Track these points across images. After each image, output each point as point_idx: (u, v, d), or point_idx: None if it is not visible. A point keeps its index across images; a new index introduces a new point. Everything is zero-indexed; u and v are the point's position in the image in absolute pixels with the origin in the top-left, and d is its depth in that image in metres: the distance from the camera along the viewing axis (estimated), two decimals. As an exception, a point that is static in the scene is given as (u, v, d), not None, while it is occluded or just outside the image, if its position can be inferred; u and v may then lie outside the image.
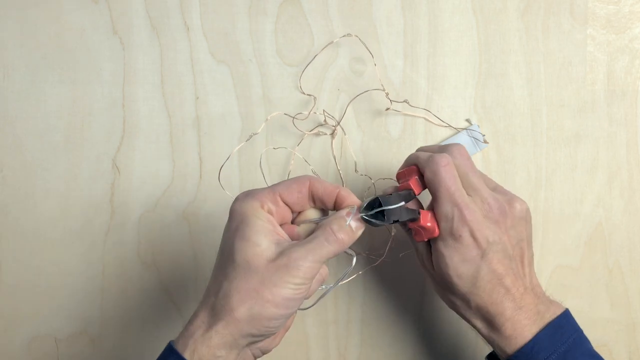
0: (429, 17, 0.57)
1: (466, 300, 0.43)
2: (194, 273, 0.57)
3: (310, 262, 0.38)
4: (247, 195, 0.41)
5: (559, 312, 0.43)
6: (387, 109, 0.55)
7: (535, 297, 0.44)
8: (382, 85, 0.55)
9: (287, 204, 0.42)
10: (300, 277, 0.38)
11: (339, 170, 0.56)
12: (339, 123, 0.56)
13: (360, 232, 0.41)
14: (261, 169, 0.55)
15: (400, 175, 0.46)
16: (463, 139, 0.56)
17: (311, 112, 0.56)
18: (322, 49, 0.56)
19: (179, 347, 0.39)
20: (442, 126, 0.56)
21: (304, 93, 0.56)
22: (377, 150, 0.57)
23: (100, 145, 0.56)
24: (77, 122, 0.56)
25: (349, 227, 0.41)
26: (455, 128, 0.56)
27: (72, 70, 0.56)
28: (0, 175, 0.56)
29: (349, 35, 0.56)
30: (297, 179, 0.42)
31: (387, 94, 0.55)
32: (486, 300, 0.43)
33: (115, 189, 0.56)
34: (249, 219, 0.39)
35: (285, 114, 0.56)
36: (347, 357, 0.57)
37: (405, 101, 0.55)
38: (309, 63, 0.56)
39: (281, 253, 0.39)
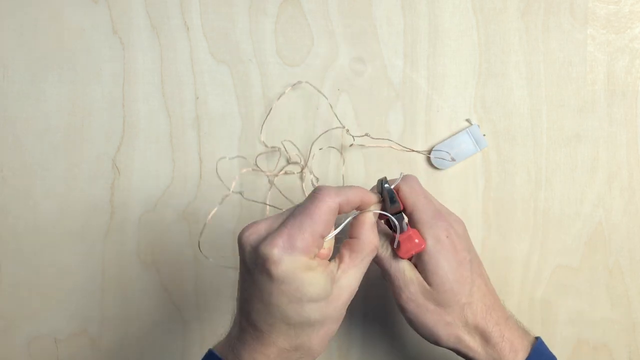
0: (429, 17, 0.57)
1: (464, 316, 0.42)
2: (194, 273, 0.57)
3: (359, 279, 0.41)
4: (292, 253, 0.36)
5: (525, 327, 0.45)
6: (351, 144, 0.56)
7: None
8: (339, 122, 0.55)
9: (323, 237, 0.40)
10: (351, 297, 0.40)
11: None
12: (305, 164, 0.56)
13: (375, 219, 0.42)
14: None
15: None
16: (463, 139, 0.56)
17: (278, 163, 0.56)
18: (278, 99, 0.56)
19: None
20: (407, 151, 0.56)
21: (266, 146, 0.56)
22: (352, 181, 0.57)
23: (100, 145, 0.56)
24: (77, 122, 0.56)
25: (369, 223, 0.41)
26: (418, 152, 0.56)
27: (72, 70, 0.56)
28: (0, 175, 0.56)
29: (299, 82, 0.56)
30: (328, 210, 0.38)
31: (347, 131, 0.55)
32: (481, 309, 0.42)
33: (115, 189, 0.56)
34: (308, 281, 0.37)
35: (253, 169, 0.56)
36: (348, 357, 0.57)
37: (366, 134, 0.55)
38: (268, 114, 0.56)
39: (338, 287, 0.39)
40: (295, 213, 0.38)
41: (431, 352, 0.56)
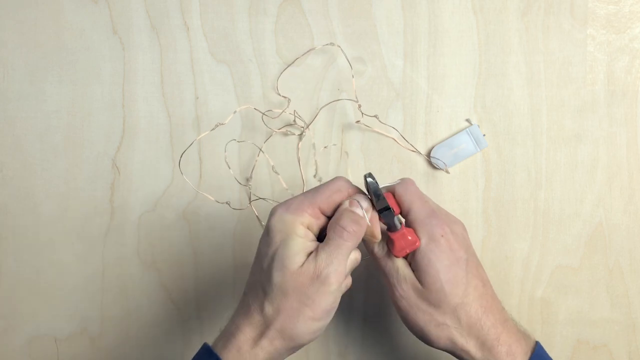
0: (429, 17, 0.57)
1: (457, 317, 0.41)
2: (194, 273, 0.57)
3: (335, 265, 0.40)
4: (287, 210, 0.41)
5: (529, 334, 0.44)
6: (358, 121, 0.56)
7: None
8: (355, 97, 0.55)
9: (324, 214, 0.42)
10: (332, 284, 0.40)
11: (301, 172, 0.56)
12: (307, 126, 0.56)
13: (368, 216, 0.41)
14: (226, 162, 0.56)
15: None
16: (463, 139, 0.56)
17: (285, 112, 0.55)
18: (304, 53, 0.56)
19: (224, 357, 0.40)
20: (409, 149, 0.56)
21: (279, 94, 0.56)
22: (341, 160, 0.57)
23: (100, 145, 0.56)
24: (77, 122, 0.56)
25: (358, 215, 0.41)
26: (420, 152, 0.56)
27: (72, 70, 0.56)
28: (0, 175, 0.56)
29: (331, 44, 0.56)
30: (337, 189, 0.42)
31: (359, 106, 0.55)
32: (476, 310, 0.42)
33: (115, 189, 0.56)
34: (287, 241, 0.40)
35: (255, 108, 0.56)
36: (347, 357, 0.57)
37: (375, 116, 0.55)
38: (288, 65, 0.56)
39: (311, 263, 0.40)
40: (311, 188, 0.43)
41: (429, 354, 0.57)
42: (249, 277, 0.43)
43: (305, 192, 0.42)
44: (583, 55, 0.57)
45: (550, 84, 0.57)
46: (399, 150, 0.57)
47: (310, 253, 0.40)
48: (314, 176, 0.57)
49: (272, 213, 0.41)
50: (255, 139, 0.57)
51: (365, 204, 0.42)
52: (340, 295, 0.41)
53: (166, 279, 0.57)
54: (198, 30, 0.57)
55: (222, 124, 0.55)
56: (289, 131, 0.56)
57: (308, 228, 0.41)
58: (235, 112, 0.56)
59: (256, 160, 0.56)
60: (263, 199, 0.56)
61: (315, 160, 0.56)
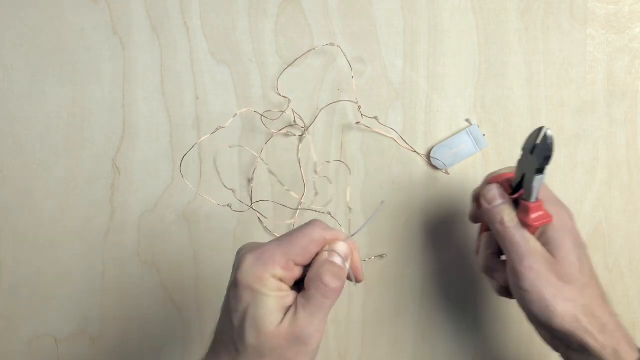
0: (429, 17, 0.57)
1: (584, 296, 0.41)
2: (194, 273, 0.57)
3: (317, 324, 0.36)
4: (257, 260, 0.36)
5: None
6: (358, 122, 0.56)
7: None
8: (355, 98, 0.55)
9: (298, 265, 0.38)
10: (313, 344, 0.36)
11: (302, 173, 0.56)
12: (307, 128, 0.56)
13: (348, 266, 0.38)
14: (216, 167, 0.56)
15: (495, 179, 0.46)
16: (463, 139, 0.56)
17: (285, 113, 0.56)
18: (305, 53, 0.56)
19: None
20: (408, 150, 0.56)
21: (279, 94, 0.56)
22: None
23: (100, 145, 0.56)
24: (77, 122, 0.56)
25: (339, 267, 0.37)
26: (419, 153, 0.56)
27: (72, 70, 0.56)
28: (0, 175, 0.56)
29: (331, 44, 0.56)
30: (312, 240, 0.37)
31: (359, 108, 0.55)
32: (597, 296, 0.41)
33: (115, 189, 0.56)
34: (259, 299, 0.36)
35: (255, 111, 0.56)
36: (347, 358, 0.57)
37: (375, 117, 0.55)
38: (288, 66, 0.56)
39: (290, 323, 0.36)
40: (282, 235, 0.38)
41: (431, 352, 0.57)
42: (218, 325, 0.38)
43: (279, 239, 0.38)
44: (583, 55, 0.57)
45: (550, 84, 0.57)
46: (398, 150, 0.57)
47: (288, 308, 0.36)
48: (315, 172, 0.57)
49: (241, 261, 0.36)
50: (256, 140, 0.57)
51: (344, 250, 0.38)
52: (317, 351, 0.38)
53: (166, 279, 0.57)
54: (198, 30, 0.57)
55: (223, 127, 0.55)
56: (290, 132, 0.56)
57: (281, 280, 0.37)
58: (235, 115, 0.56)
59: (257, 162, 0.56)
60: (264, 200, 0.56)
61: (315, 163, 0.56)
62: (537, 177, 0.41)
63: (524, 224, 0.42)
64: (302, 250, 0.37)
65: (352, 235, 0.39)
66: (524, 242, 0.42)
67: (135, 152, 0.57)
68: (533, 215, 0.42)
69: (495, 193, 0.44)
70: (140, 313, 0.57)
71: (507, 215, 0.43)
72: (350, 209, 0.57)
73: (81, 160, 0.56)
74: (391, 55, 0.57)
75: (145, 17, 0.56)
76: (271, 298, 0.36)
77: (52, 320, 0.57)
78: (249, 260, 0.36)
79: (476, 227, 0.58)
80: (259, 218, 0.56)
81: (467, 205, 0.57)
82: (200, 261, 0.57)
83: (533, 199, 0.42)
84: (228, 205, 0.56)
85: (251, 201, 0.56)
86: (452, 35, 0.57)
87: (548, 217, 0.42)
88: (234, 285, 0.36)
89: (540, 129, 0.40)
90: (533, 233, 0.43)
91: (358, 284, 0.41)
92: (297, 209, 0.56)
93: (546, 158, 0.40)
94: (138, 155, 0.57)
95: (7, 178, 0.56)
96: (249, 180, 0.56)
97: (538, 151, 0.40)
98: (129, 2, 0.56)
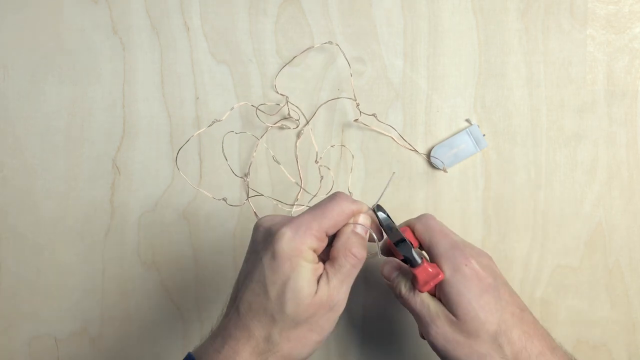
0: (429, 17, 0.57)
1: (499, 345, 0.40)
2: (194, 273, 0.57)
3: (345, 290, 0.40)
4: (296, 233, 0.38)
5: None
6: (356, 119, 0.56)
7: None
8: (354, 95, 0.55)
9: (327, 235, 0.40)
10: (341, 310, 0.40)
11: (299, 169, 0.56)
12: (308, 122, 0.56)
13: (367, 234, 0.42)
14: (224, 153, 0.56)
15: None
16: (463, 139, 0.56)
17: (282, 109, 0.56)
18: (303, 51, 0.56)
19: None
20: (408, 149, 0.56)
21: (277, 92, 0.56)
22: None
23: (100, 145, 0.56)
24: (77, 122, 0.56)
25: (364, 239, 0.41)
26: (419, 152, 0.56)
27: (72, 70, 0.56)
28: (0, 175, 0.56)
29: (329, 42, 0.56)
30: (341, 211, 0.40)
31: (357, 105, 0.55)
32: (519, 337, 0.40)
33: (115, 189, 0.56)
34: (298, 270, 0.38)
35: (252, 105, 0.56)
36: (348, 357, 0.57)
37: (373, 114, 0.55)
38: (287, 63, 0.56)
39: (324, 292, 0.39)
40: (311, 208, 0.40)
41: (431, 352, 0.57)
42: (246, 295, 0.39)
43: (311, 212, 0.40)
44: (583, 55, 0.57)
45: (550, 84, 0.57)
46: (398, 150, 0.57)
47: (319, 277, 0.39)
48: (316, 161, 0.56)
49: (280, 235, 0.38)
50: (254, 136, 0.57)
51: (368, 222, 0.42)
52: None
53: (166, 279, 0.57)
54: (198, 30, 0.57)
55: (219, 121, 0.55)
56: (284, 125, 0.56)
57: (314, 251, 0.39)
58: (232, 108, 0.56)
59: (253, 156, 0.56)
60: (260, 194, 0.56)
61: (317, 152, 0.57)
62: (400, 246, 0.41)
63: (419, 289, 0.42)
64: (334, 222, 0.40)
65: (371, 208, 0.42)
66: (424, 310, 0.42)
67: (135, 152, 0.57)
68: (421, 281, 0.41)
69: (389, 268, 0.45)
70: (140, 313, 0.57)
71: (403, 287, 0.43)
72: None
73: (81, 160, 0.56)
74: (391, 55, 0.57)
75: (145, 17, 0.56)
76: (308, 269, 0.38)
77: (52, 320, 0.57)
78: (288, 234, 0.38)
79: (476, 227, 0.58)
80: (254, 212, 0.56)
81: (467, 205, 0.57)
82: (200, 261, 0.57)
83: (417, 264, 0.41)
84: (224, 199, 0.56)
85: (247, 196, 0.56)
86: (452, 35, 0.57)
87: (437, 275, 0.41)
88: (272, 257, 0.38)
89: (374, 211, 0.42)
90: (433, 292, 0.43)
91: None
92: (293, 205, 0.56)
93: (390, 230, 0.41)
94: (138, 155, 0.57)
95: (7, 178, 0.56)
96: (245, 175, 0.56)
97: (385, 229, 0.41)
98: (129, 2, 0.56)
